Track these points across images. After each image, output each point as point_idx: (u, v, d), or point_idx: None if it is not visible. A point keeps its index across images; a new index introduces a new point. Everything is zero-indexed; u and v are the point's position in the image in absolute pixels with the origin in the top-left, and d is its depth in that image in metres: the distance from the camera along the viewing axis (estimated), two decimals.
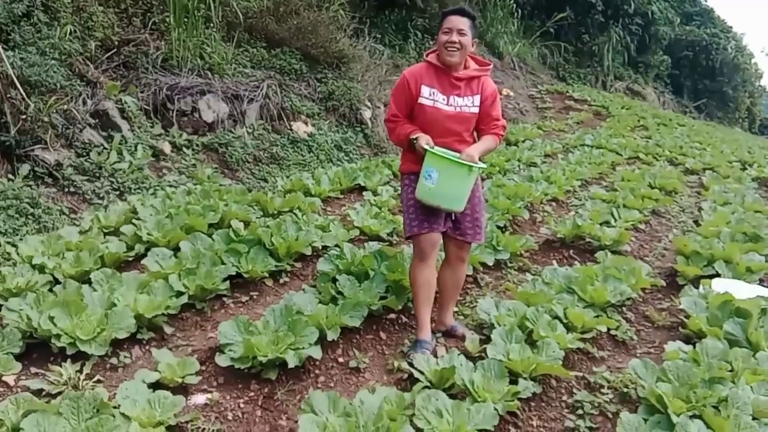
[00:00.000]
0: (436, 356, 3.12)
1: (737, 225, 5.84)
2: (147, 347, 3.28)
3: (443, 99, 3.21)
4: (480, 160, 3.21)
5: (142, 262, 4.00)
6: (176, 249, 4.17)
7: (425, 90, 3.20)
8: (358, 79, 9.73)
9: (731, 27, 30.55)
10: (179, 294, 3.59)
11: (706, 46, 26.28)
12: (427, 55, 3.33)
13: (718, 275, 4.64)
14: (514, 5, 17.42)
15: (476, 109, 3.26)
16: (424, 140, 3.12)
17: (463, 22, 3.17)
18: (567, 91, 17.20)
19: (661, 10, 22.43)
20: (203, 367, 3.06)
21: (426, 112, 3.20)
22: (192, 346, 3.35)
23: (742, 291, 4.04)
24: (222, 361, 2.93)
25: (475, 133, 3.38)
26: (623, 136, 12.83)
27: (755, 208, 6.97)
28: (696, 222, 6.73)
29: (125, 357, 3.18)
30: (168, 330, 3.44)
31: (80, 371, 2.95)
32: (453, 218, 3.32)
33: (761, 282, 4.67)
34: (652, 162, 10.44)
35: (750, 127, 31.96)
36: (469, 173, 3.07)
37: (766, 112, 36.91)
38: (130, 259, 4.29)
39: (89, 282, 3.65)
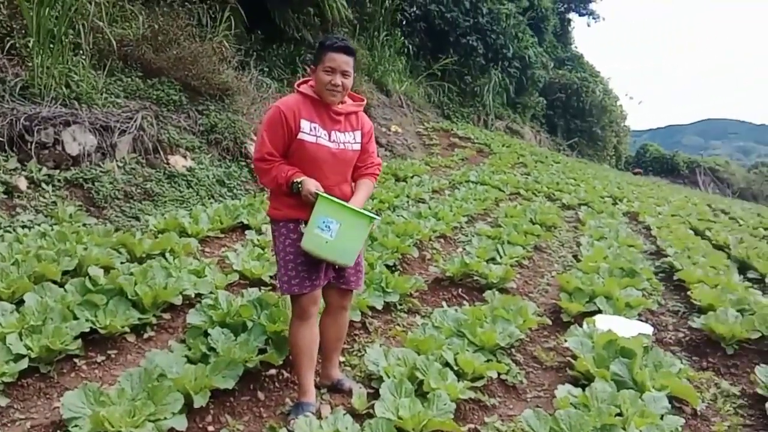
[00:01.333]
0: (320, 417, 2.83)
1: (614, 260, 6.06)
2: None
3: (325, 135, 2.86)
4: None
5: None
6: (21, 302, 3.61)
7: (305, 124, 2.81)
8: (243, 112, 9.38)
9: (599, 72, 33.32)
10: (19, 357, 3.06)
11: (577, 89, 28.40)
12: (298, 86, 2.96)
13: (599, 311, 4.73)
14: (409, 45, 17.90)
15: (358, 146, 2.98)
16: (313, 185, 2.74)
17: (347, 62, 2.83)
18: (452, 129, 17.75)
19: (537, 54, 23.94)
20: None
21: (307, 150, 2.81)
22: (32, 420, 2.84)
23: (624, 328, 4.10)
24: None
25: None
26: (505, 172, 13.33)
27: (629, 243, 7.32)
28: (575, 257, 6.95)
29: None
30: (2, 402, 2.90)
31: None
32: (335, 267, 2.99)
33: (640, 317, 4.81)
34: (531, 198, 10.85)
35: (617, 163, 34.70)
36: (369, 225, 2.81)
37: (630, 149, 40.34)
38: None
39: None
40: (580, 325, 4.30)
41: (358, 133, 2.99)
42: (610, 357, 3.60)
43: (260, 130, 2.88)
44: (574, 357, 3.78)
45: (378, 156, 3.13)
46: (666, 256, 6.91)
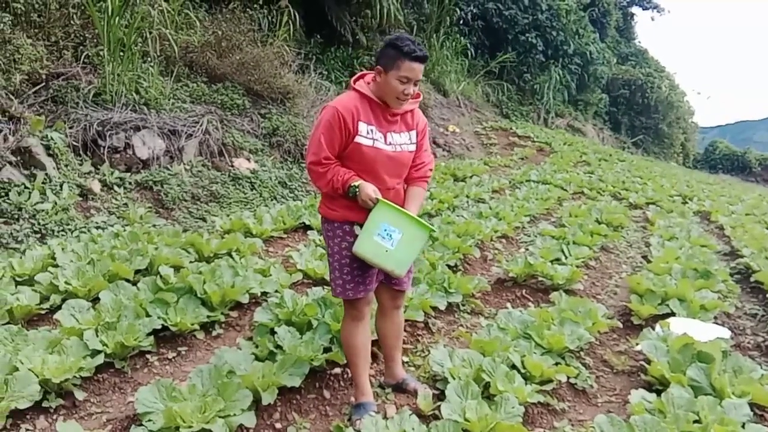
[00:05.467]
0: (385, 417, 2.82)
1: (687, 261, 5.80)
2: (54, 417, 2.86)
3: (381, 137, 2.73)
4: None
5: (55, 315, 3.56)
6: (96, 300, 3.76)
7: (363, 127, 2.68)
8: (304, 115, 9.52)
9: (664, 67, 32.14)
10: (95, 353, 3.18)
11: (642, 84, 27.46)
12: (354, 82, 2.80)
13: (672, 314, 4.53)
14: (467, 45, 17.78)
15: (414, 147, 2.85)
16: (372, 189, 2.64)
17: (422, 71, 2.68)
18: (511, 128, 17.46)
19: (599, 50, 23.30)
20: None
21: (363, 153, 2.69)
22: (107, 414, 2.94)
23: (700, 331, 3.91)
24: None
25: None
26: (567, 171, 13.01)
27: (701, 243, 7.00)
28: (645, 257, 6.70)
29: (27, 430, 2.75)
30: (80, 395, 3.02)
31: None
32: None
33: (716, 320, 4.59)
34: (596, 197, 10.54)
35: (684, 161, 33.36)
36: (427, 236, 2.71)
37: (699, 147, 38.71)
38: (44, 312, 3.84)
39: None
40: (652, 329, 4.13)
41: (413, 133, 2.87)
42: (686, 362, 3.44)
43: (316, 131, 2.72)
44: (648, 361, 3.63)
45: (431, 153, 3.01)
46: (741, 256, 6.57)
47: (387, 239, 2.59)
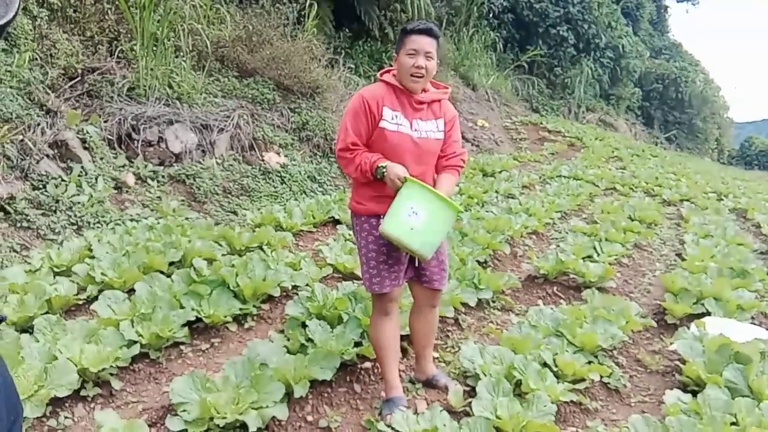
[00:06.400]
0: (416, 412, 2.82)
1: (723, 259, 5.68)
2: (92, 405, 2.92)
3: (406, 123, 2.75)
4: None
5: (92, 306, 3.64)
6: (132, 291, 3.83)
7: (387, 113, 2.72)
8: (333, 109, 9.53)
9: (699, 61, 31.45)
10: (131, 343, 3.24)
11: (675, 78, 26.92)
12: (382, 75, 2.86)
13: (708, 313, 4.44)
14: (496, 38, 17.64)
15: (441, 135, 2.84)
16: (400, 169, 2.63)
17: (430, 44, 2.70)
18: (541, 123, 17.26)
19: (631, 44, 22.89)
20: (153, 431, 2.70)
21: (387, 139, 2.70)
22: (143, 403, 2.99)
23: (737, 332, 3.82)
24: (174, 424, 2.57)
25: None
26: (599, 167, 12.83)
27: (738, 241, 6.84)
28: (679, 255, 6.58)
29: (66, 418, 2.81)
30: (116, 385, 3.08)
31: None
32: (417, 263, 2.90)
33: (753, 320, 4.48)
34: (629, 193, 10.38)
35: (719, 157, 32.64)
36: (454, 218, 2.68)
37: (734, 142, 37.81)
38: (81, 302, 3.92)
39: (32, 330, 3.29)
40: (687, 328, 4.06)
41: (440, 122, 2.87)
42: (722, 362, 3.37)
43: (344, 119, 2.79)
44: (683, 361, 3.57)
45: (462, 147, 2.99)
46: None
47: (413, 216, 2.53)
